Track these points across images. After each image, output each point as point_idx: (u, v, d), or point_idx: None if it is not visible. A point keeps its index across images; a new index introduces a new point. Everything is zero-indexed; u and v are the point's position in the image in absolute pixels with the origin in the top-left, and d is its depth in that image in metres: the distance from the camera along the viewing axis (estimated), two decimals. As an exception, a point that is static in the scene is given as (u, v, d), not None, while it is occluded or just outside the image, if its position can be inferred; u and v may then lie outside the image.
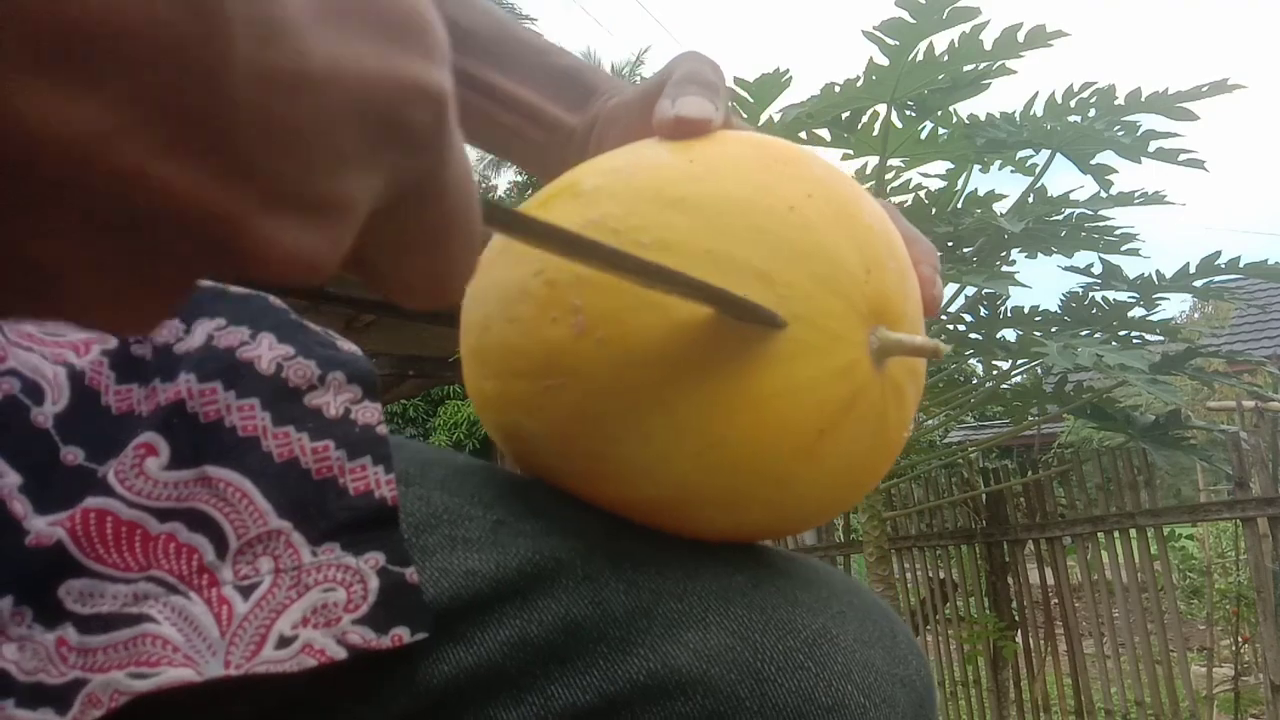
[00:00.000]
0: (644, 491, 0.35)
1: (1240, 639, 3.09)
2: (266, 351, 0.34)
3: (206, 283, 0.37)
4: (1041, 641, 2.85)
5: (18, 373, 0.31)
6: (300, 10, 0.15)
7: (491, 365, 0.37)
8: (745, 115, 1.55)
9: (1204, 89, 1.41)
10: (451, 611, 0.32)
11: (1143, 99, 1.45)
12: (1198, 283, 1.76)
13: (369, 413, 0.34)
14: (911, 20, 1.34)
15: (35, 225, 0.14)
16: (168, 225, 0.15)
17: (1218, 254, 1.71)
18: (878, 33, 1.37)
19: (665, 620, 0.33)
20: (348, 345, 0.36)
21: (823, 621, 0.34)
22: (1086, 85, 1.48)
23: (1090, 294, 1.84)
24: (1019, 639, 2.86)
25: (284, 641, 0.29)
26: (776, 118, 1.55)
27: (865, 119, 1.55)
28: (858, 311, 0.34)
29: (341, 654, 0.29)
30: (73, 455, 0.31)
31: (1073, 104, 1.50)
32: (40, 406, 0.31)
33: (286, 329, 0.35)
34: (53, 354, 0.33)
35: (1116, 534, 2.63)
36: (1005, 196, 1.67)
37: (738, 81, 1.52)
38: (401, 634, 0.30)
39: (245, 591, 0.30)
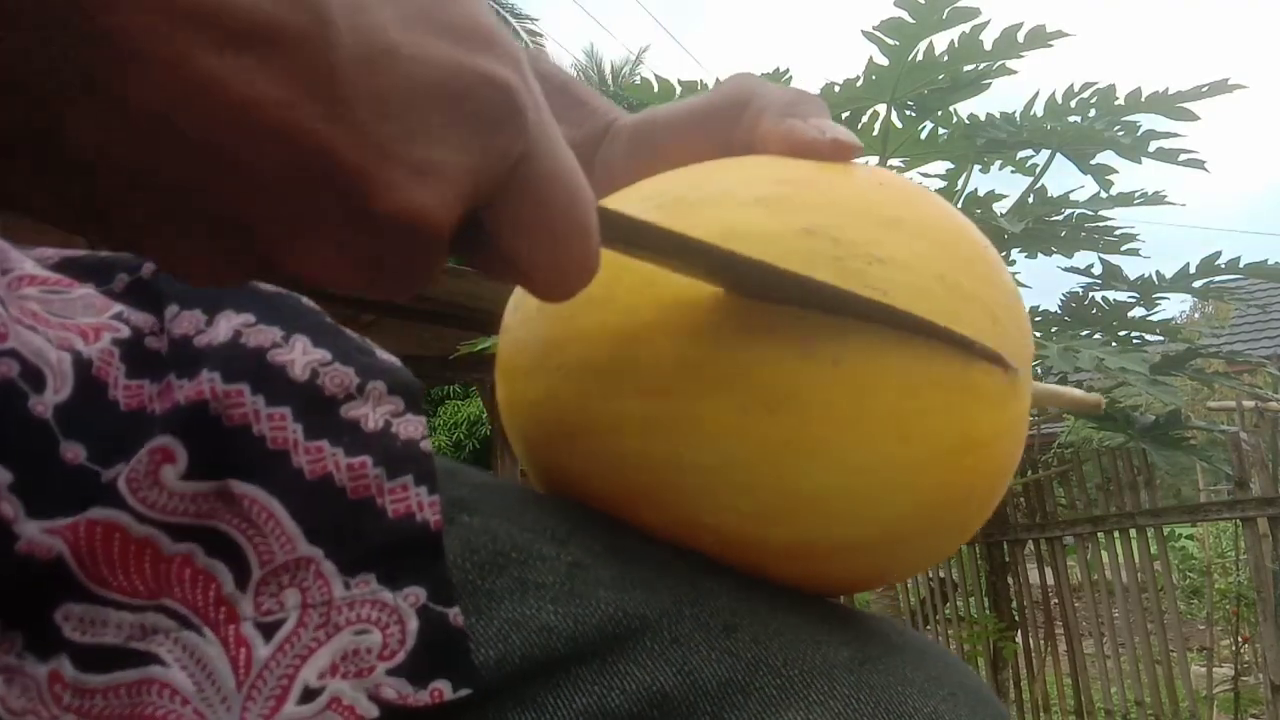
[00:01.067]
0: (827, 534, 0.32)
1: (1240, 639, 3.09)
2: (300, 356, 0.31)
3: None
4: (1041, 641, 2.85)
5: (18, 354, 0.28)
6: (387, 14, 0.19)
7: (645, 383, 0.32)
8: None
9: (1204, 89, 1.41)
10: (523, 672, 0.28)
11: (1143, 99, 1.45)
12: (1198, 283, 1.76)
13: (412, 427, 0.31)
14: (911, 20, 1.34)
15: (239, 185, 0.18)
16: (320, 179, 0.19)
17: (1218, 254, 1.71)
18: (877, 33, 1.37)
19: (763, 697, 0.29)
20: (386, 354, 0.33)
21: (934, 705, 0.31)
22: (1086, 85, 1.48)
23: (1090, 294, 1.84)
24: (1019, 639, 2.86)
25: (309, 695, 0.25)
26: (776, 118, 1.55)
27: (865, 119, 1.55)
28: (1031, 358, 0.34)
29: (373, 712, 0.26)
30: (73, 453, 0.27)
31: (1073, 104, 1.50)
32: (40, 394, 0.28)
33: (322, 332, 0.32)
34: (58, 338, 0.30)
35: (1116, 534, 2.63)
36: (1005, 196, 1.67)
37: (738, 81, 1.52)
38: (442, 689, 0.26)
39: (267, 630, 0.26)
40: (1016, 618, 2.87)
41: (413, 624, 0.27)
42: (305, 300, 0.34)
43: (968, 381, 0.32)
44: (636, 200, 0.35)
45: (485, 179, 0.21)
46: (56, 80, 0.16)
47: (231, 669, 0.26)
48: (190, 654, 0.26)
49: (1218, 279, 1.75)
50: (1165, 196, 1.57)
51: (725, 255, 0.29)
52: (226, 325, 0.31)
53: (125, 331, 0.31)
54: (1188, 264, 1.75)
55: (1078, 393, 0.34)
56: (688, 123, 0.40)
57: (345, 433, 0.29)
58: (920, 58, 1.41)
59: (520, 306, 0.37)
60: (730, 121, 0.38)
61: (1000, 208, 1.64)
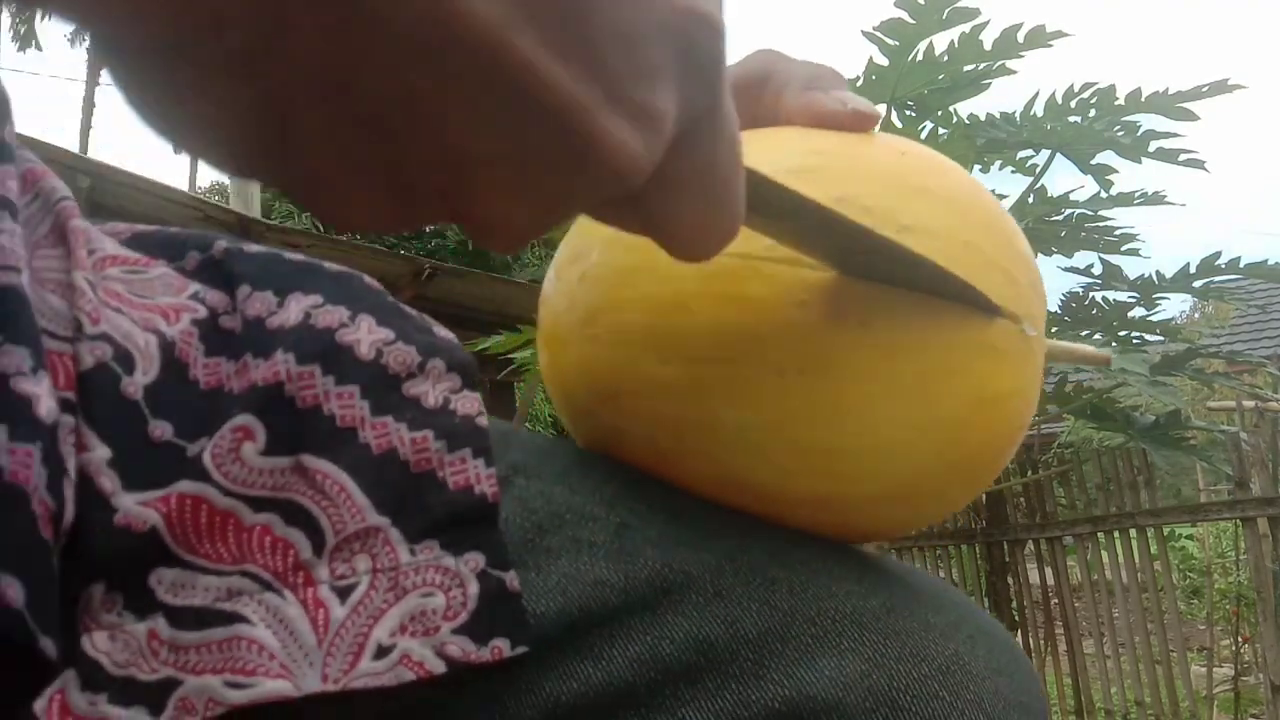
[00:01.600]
0: (857, 488, 0.34)
1: (1240, 639, 3.09)
2: (366, 335, 0.32)
3: (298, 256, 0.36)
4: (1041, 641, 2.85)
5: (110, 338, 0.30)
6: None
7: (688, 348, 0.33)
8: (745, 115, 1.55)
9: (1204, 89, 1.41)
10: (581, 624, 0.30)
11: (1143, 99, 1.45)
12: (1198, 283, 1.76)
13: (468, 403, 0.32)
14: (911, 20, 1.34)
15: (462, 114, 0.18)
16: (542, 117, 0.18)
17: (1218, 254, 1.71)
18: (877, 33, 1.37)
19: (799, 644, 0.31)
20: (443, 331, 0.34)
21: (954, 648, 0.33)
22: (1086, 85, 1.48)
23: (1090, 294, 1.84)
24: (1019, 639, 2.86)
25: (381, 651, 0.28)
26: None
27: (865, 119, 1.55)
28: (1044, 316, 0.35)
29: (440, 667, 0.28)
30: (161, 430, 0.29)
31: (1073, 104, 1.50)
32: (131, 376, 0.29)
33: (385, 311, 0.34)
34: (143, 319, 0.31)
35: (1116, 534, 2.63)
36: (1005, 196, 1.67)
37: (738, 81, 1.52)
38: (501, 646, 0.29)
39: (342, 594, 0.28)
40: (1016, 618, 2.87)
41: (473, 587, 0.29)
42: (368, 279, 0.35)
43: (989, 342, 0.33)
44: None
45: (683, 124, 0.21)
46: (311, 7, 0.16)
47: (311, 628, 0.28)
48: (273, 614, 0.28)
49: (1218, 279, 1.75)
50: (1165, 196, 1.57)
51: (832, 218, 0.30)
52: (297, 306, 0.33)
53: (202, 312, 0.33)
54: (1188, 264, 1.75)
55: (1088, 349, 0.36)
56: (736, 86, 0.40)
57: (408, 409, 0.31)
58: (920, 58, 1.41)
59: (561, 277, 0.38)
60: (754, 96, 0.39)
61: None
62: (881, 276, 0.32)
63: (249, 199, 4.46)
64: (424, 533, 0.30)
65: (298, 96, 0.17)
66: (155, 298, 0.33)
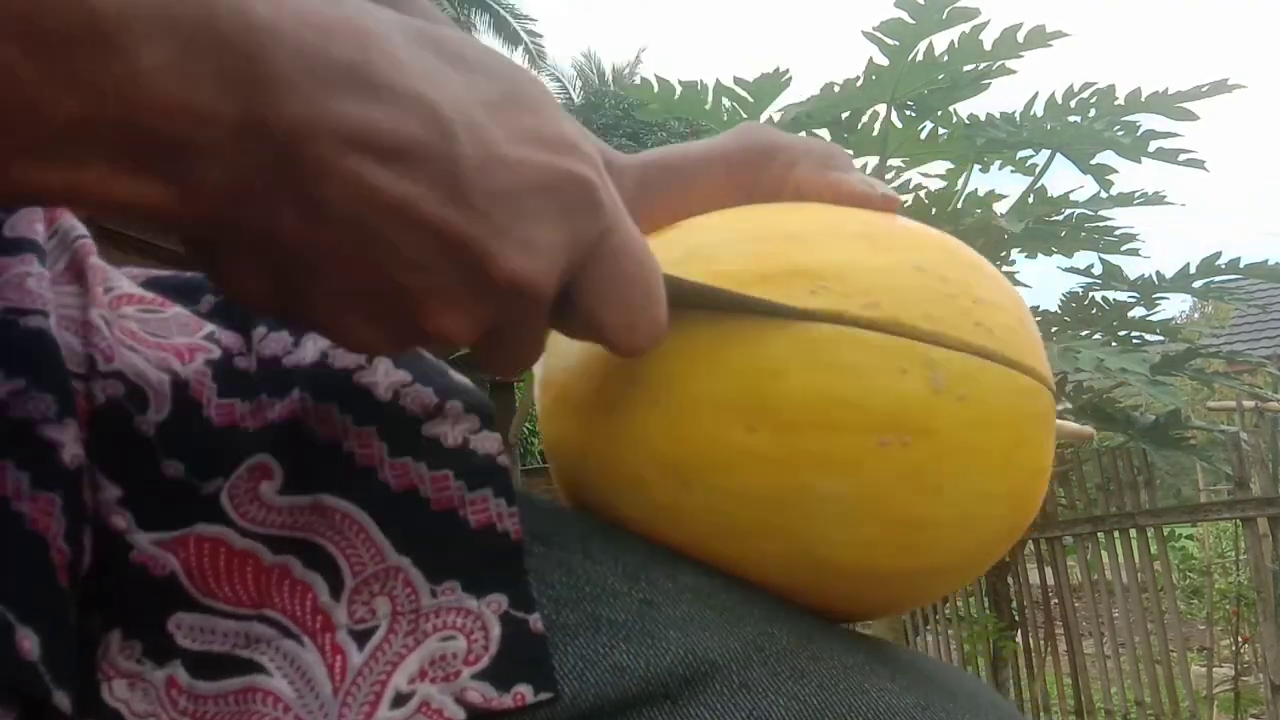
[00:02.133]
0: (930, 560, 0.34)
1: (1240, 639, 3.09)
2: (383, 378, 0.33)
3: None
4: (1041, 641, 2.85)
5: (123, 375, 0.30)
6: (496, 133, 0.25)
7: (784, 415, 0.32)
8: (745, 115, 1.55)
9: (1204, 89, 1.41)
10: (597, 711, 0.29)
11: (1143, 99, 1.45)
12: (1198, 283, 1.76)
13: (489, 442, 0.32)
14: (911, 20, 1.34)
15: (397, 260, 0.24)
16: (450, 250, 0.24)
17: (1218, 254, 1.71)
18: (877, 33, 1.37)
19: None
20: (459, 375, 0.35)
21: None
22: (1086, 85, 1.48)
23: (1090, 294, 1.84)
24: (1019, 639, 2.86)
25: (400, 699, 0.27)
26: (776, 117, 1.55)
27: (865, 119, 1.56)
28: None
29: (460, 715, 0.27)
30: (173, 469, 0.29)
31: (1073, 104, 1.50)
32: (144, 414, 0.30)
33: (401, 356, 0.34)
34: (157, 358, 0.32)
35: (1116, 534, 2.63)
36: (1005, 196, 1.67)
37: (737, 81, 1.52)
38: (524, 693, 0.28)
39: (360, 638, 0.28)
40: (1016, 618, 2.87)
41: (495, 630, 0.29)
42: None
43: (1044, 412, 0.35)
44: (744, 239, 0.36)
45: (574, 252, 0.26)
46: (274, 188, 0.22)
47: (328, 675, 0.27)
48: (290, 662, 0.27)
49: (1218, 279, 1.75)
50: (1165, 196, 1.57)
51: (773, 308, 0.32)
52: (314, 347, 0.33)
53: (216, 353, 0.33)
54: (1188, 264, 1.75)
55: (1074, 426, 0.38)
56: (717, 167, 0.41)
57: (427, 449, 0.31)
58: (920, 58, 1.41)
59: (558, 351, 0.37)
60: (756, 169, 0.40)
61: (1000, 208, 1.64)
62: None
63: (249, 199, 4.47)
64: (445, 572, 0.29)
65: (289, 263, 0.23)
66: (170, 337, 0.33)
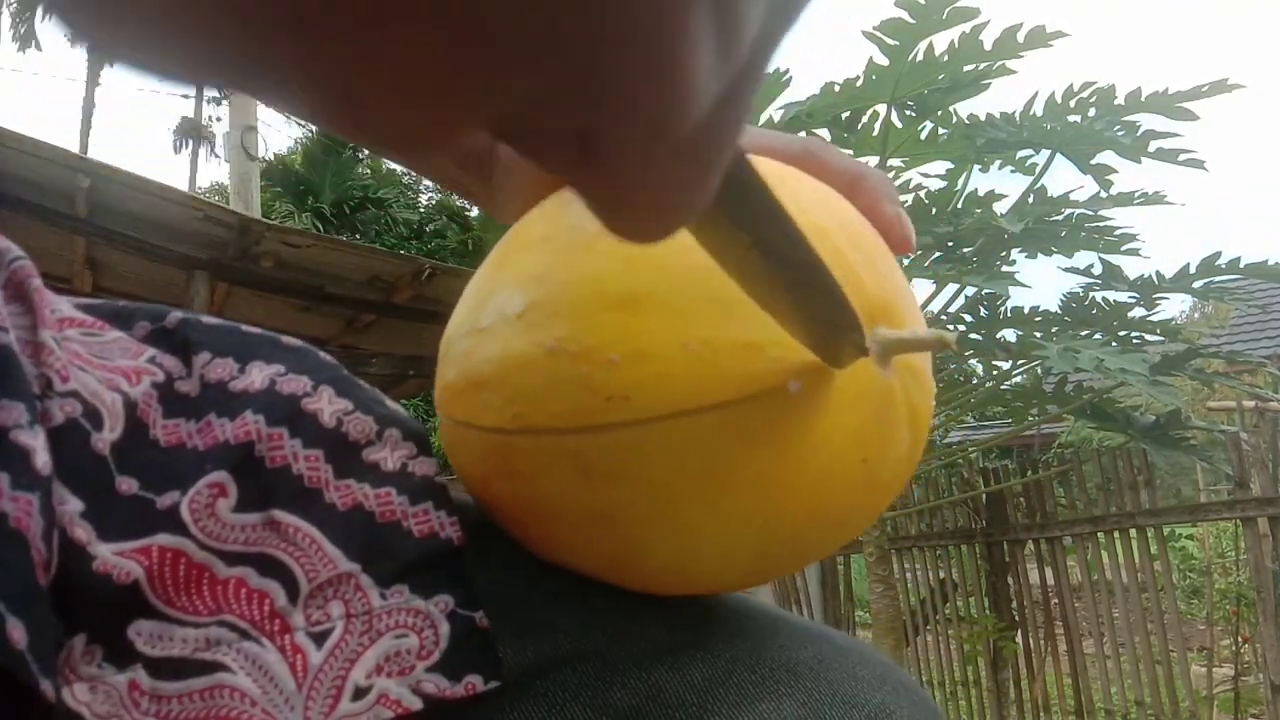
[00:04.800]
0: (705, 588, 0.35)
1: (1240, 639, 3.10)
2: (327, 405, 0.34)
3: (256, 330, 0.37)
4: (1041, 641, 2.85)
5: (79, 395, 0.31)
6: None
7: (518, 516, 0.34)
8: (745, 115, 1.55)
9: (1204, 89, 1.41)
10: (534, 667, 0.32)
11: (1143, 99, 1.45)
12: (1198, 283, 1.76)
13: (426, 466, 0.34)
14: (911, 20, 1.35)
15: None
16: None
17: (1218, 254, 1.71)
18: (877, 33, 1.37)
19: (739, 690, 0.33)
20: (394, 404, 0.37)
21: (881, 697, 0.35)
22: (1086, 85, 1.48)
23: (1090, 294, 1.84)
24: (1019, 639, 2.86)
25: (359, 693, 0.29)
26: (776, 117, 1.55)
27: (865, 119, 1.56)
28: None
29: (417, 704, 0.29)
30: (127, 485, 0.30)
31: (1073, 104, 1.50)
32: (100, 432, 0.31)
33: (343, 384, 0.36)
34: (105, 379, 0.33)
35: (1116, 534, 2.63)
36: (1005, 196, 1.67)
37: (738, 81, 1.52)
38: (475, 682, 0.30)
39: (318, 639, 0.29)
40: (1016, 618, 2.87)
41: (444, 627, 0.30)
42: (324, 355, 0.37)
43: (785, 410, 0.33)
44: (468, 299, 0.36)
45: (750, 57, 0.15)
46: None
47: (290, 673, 0.28)
48: (252, 661, 0.28)
49: (1218, 279, 1.75)
50: (1165, 196, 1.57)
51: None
52: (260, 374, 0.35)
53: (160, 375, 0.34)
54: (1188, 264, 1.75)
55: (921, 332, 0.32)
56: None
57: (368, 473, 0.33)
58: (920, 58, 1.41)
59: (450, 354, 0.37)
60: (829, 177, 0.36)
61: (1000, 208, 1.64)
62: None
63: (249, 199, 4.45)
64: (394, 577, 0.31)
65: None
66: (114, 360, 0.34)
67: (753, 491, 0.31)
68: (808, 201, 0.34)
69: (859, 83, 1.47)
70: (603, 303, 0.31)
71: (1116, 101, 1.48)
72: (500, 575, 0.34)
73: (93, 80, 15.72)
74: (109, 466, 0.30)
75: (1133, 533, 2.59)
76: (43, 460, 0.27)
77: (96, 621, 0.28)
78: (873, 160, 1.60)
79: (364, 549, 0.31)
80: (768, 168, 0.35)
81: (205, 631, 0.29)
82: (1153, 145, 1.49)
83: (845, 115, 1.54)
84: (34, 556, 0.25)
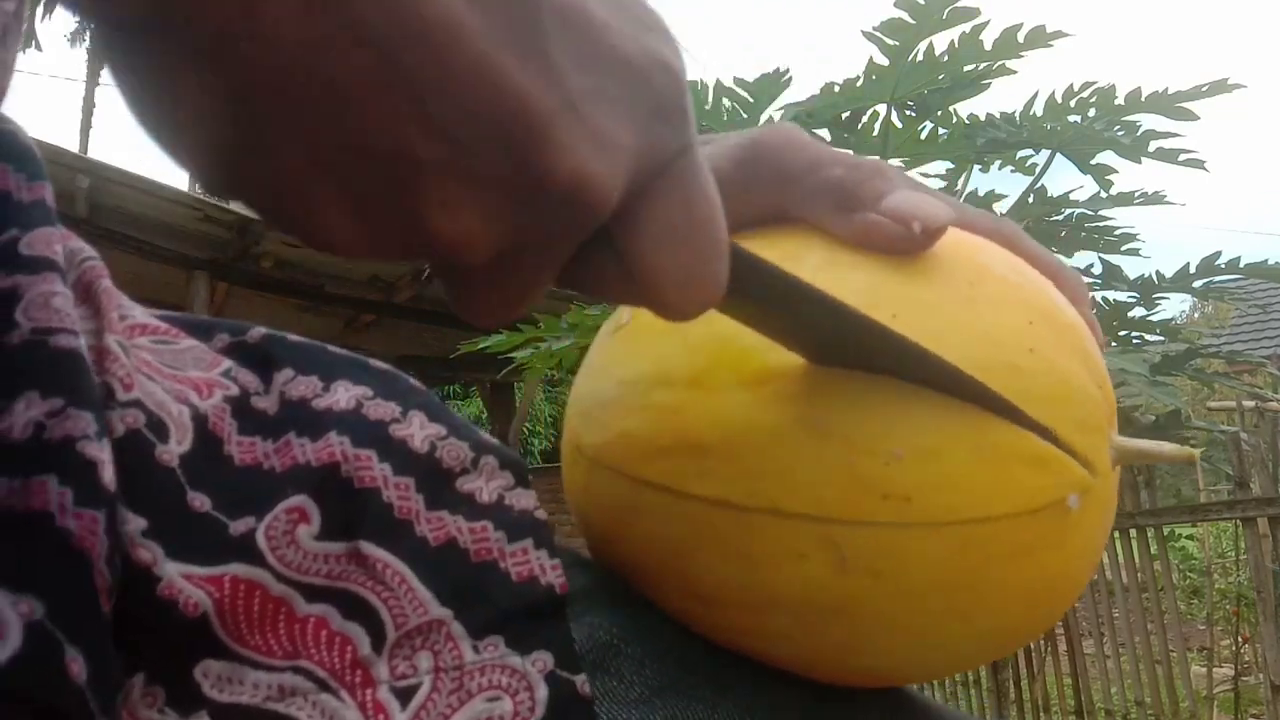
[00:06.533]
0: (908, 673, 0.34)
1: (1240, 639, 3.09)
2: (419, 430, 0.31)
3: (344, 351, 0.35)
4: (1041, 641, 2.85)
5: (142, 405, 0.28)
6: None
7: (702, 591, 0.31)
8: (745, 115, 1.55)
9: (1204, 89, 1.41)
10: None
11: (1143, 99, 1.45)
12: (1198, 283, 1.76)
13: (524, 499, 0.31)
14: (911, 20, 1.35)
15: (419, 113, 0.17)
16: (495, 116, 0.18)
17: (1218, 254, 1.71)
18: (877, 33, 1.37)
19: None
20: (486, 434, 0.34)
21: None
22: (1086, 85, 1.48)
23: (1090, 294, 1.84)
24: (1019, 639, 2.86)
25: None
26: (776, 117, 1.55)
27: (865, 119, 1.56)
28: (1105, 436, 0.31)
29: None
30: (200, 501, 0.28)
31: (1073, 104, 1.50)
32: (165, 444, 0.28)
33: (435, 409, 0.33)
34: (174, 390, 0.30)
35: (1116, 534, 2.63)
36: (1005, 196, 1.67)
37: (737, 81, 1.52)
38: None
39: (403, 696, 0.26)
40: (1016, 618, 2.87)
41: (542, 691, 0.27)
42: (413, 380, 0.34)
43: (1054, 528, 0.31)
44: (643, 383, 0.33)
45: (645, 164, 0.21)
46: None
47: None
48: (329, 718, 0.26)
49: (1218, 279, 1.74)
50: (1165, 196, 1.57)
51: (835, 306, 0.27)
52: (346, 394, 0.32)
53: (234, 389, 0.32)
54: (1188, 264, 1.75)
55: (1168, 447, 0.31)
56: (735, 185, 0.33)
57: (462, 503, 0.30)
58: (920, 58, 1.41)
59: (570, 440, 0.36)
60: (759, 202, 0.33)
61: (1000, 208, 1.64)
62: (877, 368, 0.29)
63: (249, 199, 4.45)
64: (488, 627, 0.28)
65: (266, 84, 0.17)
66: (186, 370, 0.32)
67: (1007, 603, 0.30)
68: (1065, 308, 0.32)
69: (859, 83, 1.47)
70: (886, 388, 0.28)
71: (1116, 101, 1.48)
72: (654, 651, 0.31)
73: (93, 80, 15.71)
74: (178, 479, 0.28)
75: (1133, 532, 2.59)
76: (109, 475, 0.25)
77: (160, 659, 0.25)
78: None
79: (457, 592, 0.28)
80: (1004, 256, 0.32)
81: (279, 678, 0.26)
82: (1153, 145, 1.49)
83: (845, 115, 1.54)
84: (97, 581, 0.23)
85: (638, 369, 0.32)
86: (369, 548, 0.28)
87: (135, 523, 0.26)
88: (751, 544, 0.29)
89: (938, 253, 0.31)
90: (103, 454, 0.25)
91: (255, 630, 0.26)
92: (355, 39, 0.17)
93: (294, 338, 0.35)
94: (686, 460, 0.30)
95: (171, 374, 0.31)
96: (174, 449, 0.28)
